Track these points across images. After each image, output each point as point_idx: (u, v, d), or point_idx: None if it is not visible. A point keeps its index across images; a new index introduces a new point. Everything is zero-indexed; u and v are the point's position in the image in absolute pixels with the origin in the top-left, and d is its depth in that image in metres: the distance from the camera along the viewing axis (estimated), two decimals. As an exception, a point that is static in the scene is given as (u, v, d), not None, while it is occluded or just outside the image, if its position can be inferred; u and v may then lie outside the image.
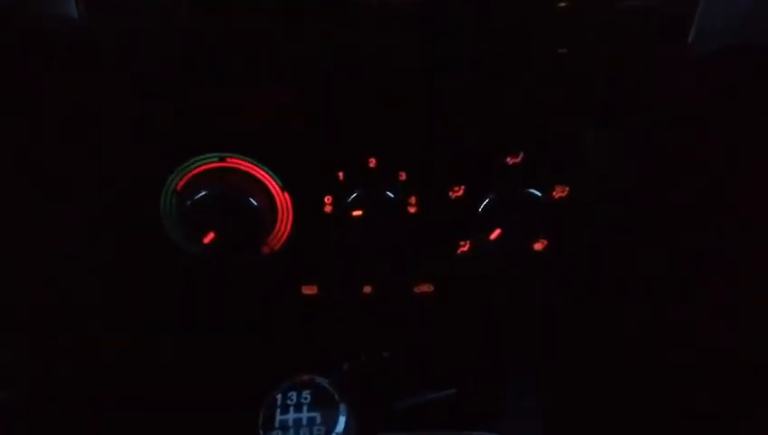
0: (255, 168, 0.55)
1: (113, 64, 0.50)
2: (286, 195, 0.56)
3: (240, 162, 0.55)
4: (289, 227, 0.57)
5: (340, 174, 0.55)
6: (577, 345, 0.68)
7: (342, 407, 0.45)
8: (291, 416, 0.46)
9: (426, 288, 0.62)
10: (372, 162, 0.55)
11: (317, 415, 0.46)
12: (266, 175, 0.55)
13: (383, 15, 0.45)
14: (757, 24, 0.43)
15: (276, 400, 0.46)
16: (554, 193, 0.57)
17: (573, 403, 0.67)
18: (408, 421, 0.63)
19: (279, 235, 0.58)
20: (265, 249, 0.58)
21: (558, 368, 0.69)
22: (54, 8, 0.42)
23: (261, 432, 0.46)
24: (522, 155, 0.56)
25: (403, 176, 0.56)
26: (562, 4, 0.45)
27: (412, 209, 0.57)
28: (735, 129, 0.51)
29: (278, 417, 0.46)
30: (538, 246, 0.59)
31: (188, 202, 0.54)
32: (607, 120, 0.54)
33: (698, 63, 0.45)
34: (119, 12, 0.44)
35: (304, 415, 0.46)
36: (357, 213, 0.55)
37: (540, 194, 0.56)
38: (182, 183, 0.55)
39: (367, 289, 0.61)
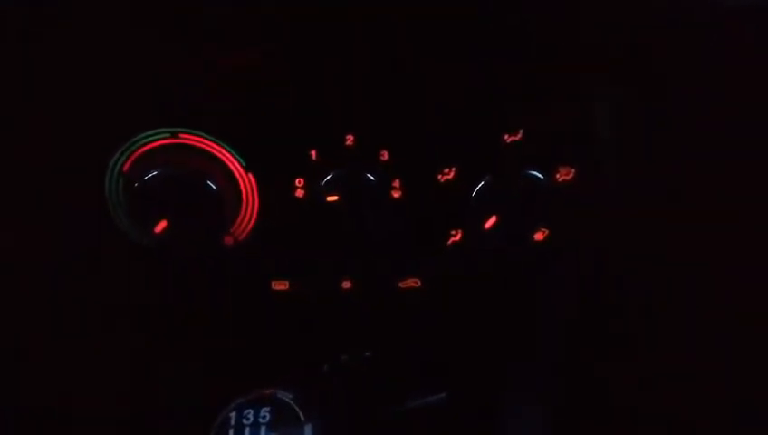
0: (214, 145, 0.48)
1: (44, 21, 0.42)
2: (251, 176, 0.49)
3: (196, 138, 0.47)
4: (255, 213, 0.50)
5: (313, 153, 0.49)
6: (583, 351, 0.62)
7: (308, 429, 0.38)
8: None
9: (412, 283, 0.55)
10: (350, 139, 0.48)
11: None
12: (227, 153, 0.48)
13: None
14: None
15: (229, 419, 0.39)
16: (558, 175, 0.50)
17: (576, 405, 0.61)
18: (398, 429, 0.57)
19: (244, 223, 0.51)
20: (228, 239, 0.51)
21: (560, 372, 0.63)
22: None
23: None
24: (521, 132, 0.49)
25: (385, 155, 0.49)
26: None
27: (396, 194, 0.50)
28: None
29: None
30: (539, 236, 0.52)
31: (136, 184, 0.47)
32: (624, 85, 0.47)
33: (730, 17, 0.38)
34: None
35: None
36: (332, 198, 0.49)
37: (542, 176, 0.49)
38: (129, 163, 0.48)
39: (346, 284, 0.55)
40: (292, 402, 0.40)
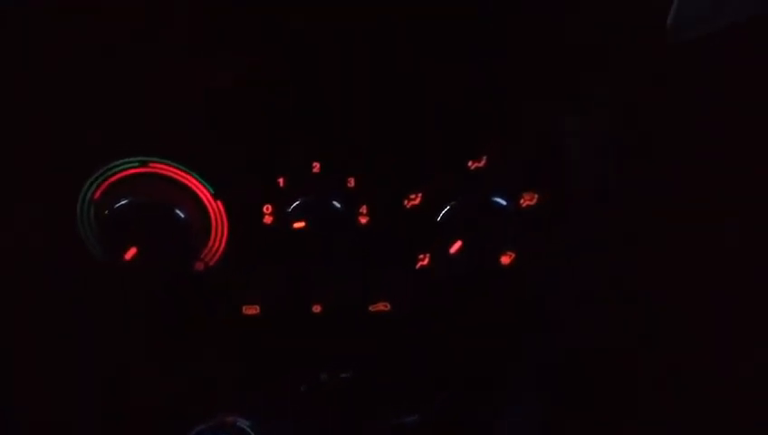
0: (183, 173, 0.49)
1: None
2: (219, 204, 0.50)
3: (165, 167, 0.48)
4: (224, 240, 0.51)
5: (281, 180, 0.49)
6: (560, 365, 0.62)
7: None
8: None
9: (382, 307, 0.56)
10: (316, 167, 0.49)
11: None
12: (196, 181, 0.49)
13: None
14: (733, 12, 0.38)
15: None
16: (522, 201, 0.51)
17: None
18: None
19: (214, 249, 0.51)
20: (199, 265, 0.52)
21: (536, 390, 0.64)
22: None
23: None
24: (485, 158, 0.50)
25: (351, 182, 0.50)
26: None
27: (363, 220, 0.51)
28: (714, 118, 0.46)
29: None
30: (505, 260, 0.53)
31: (106, 212, 0.47)
32: (582, 114, 0.48)
33: (675, 49, 0.40)
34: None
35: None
36: (299, 224, 0.49)
37: (506, 202, 0.50)
38: (99, 191, 0.48)
39: (316, 308, 0.55)
40: (248, 429, 0.40)
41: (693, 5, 0.38)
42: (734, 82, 0.42)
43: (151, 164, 0.48)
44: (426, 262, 0.54)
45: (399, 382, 0.60)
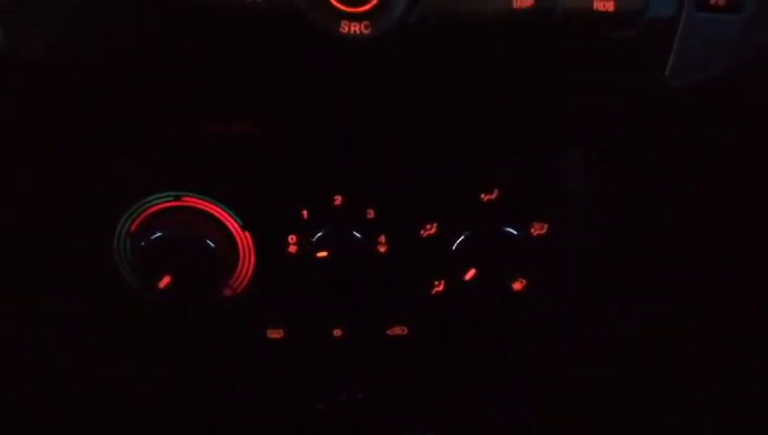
0: (214, 207, 0.52)
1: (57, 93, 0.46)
2: (247, 235, 0.53)
3: (197, 201, 0.51)
4: (251, 268, 0.54)
5: (305, 212, 0.52)
6: (562, 387, 0.65)
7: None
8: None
9: (399, 330, 0.58)
10: (338, 200, 0.52)
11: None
12: (225, 214, 0.52)
13: (351, 49, 0.41)
14: (733, 59, 0.41)
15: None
16: (532, 230, 0.54)
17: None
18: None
19: (241, 276, 0.54)
20: (227, 292, 0.55)
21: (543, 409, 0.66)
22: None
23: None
24: (497, 191, 0.53)
25: (371, 214, 0.52)
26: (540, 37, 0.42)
27: (382, 249, 0.53)
28: (712, 160, 0.49)
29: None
30: (517, 286, 0.56)
31: (142, 244, 0.51)
32: (585, 152, 0.51)
33: (675, 95, 0.43)
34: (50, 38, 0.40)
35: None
36: (322, 253, 0.52)
37: (516, 232, 0.53)
38: (136, 224, 0.52)
39: (337, 332, 0.58)
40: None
41: (690, 54, 0.41)
42: (730, 122, 0.45)
43: (184, 198, 0.51)
44: (441, 288, 0.56)
45: (416, 402, 0.63)
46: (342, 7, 0.37)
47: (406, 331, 0.58)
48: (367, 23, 0.38)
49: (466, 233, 0.53)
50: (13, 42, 0.39)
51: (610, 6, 0.38)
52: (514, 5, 0.38)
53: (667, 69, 0.42)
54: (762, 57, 0.43)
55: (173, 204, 0.51)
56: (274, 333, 0.58)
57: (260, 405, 0.63)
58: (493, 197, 0.53)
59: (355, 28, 0.37)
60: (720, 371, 0.63)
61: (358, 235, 0.52)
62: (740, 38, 0.42)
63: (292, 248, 0.53)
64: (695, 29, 0.41)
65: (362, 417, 0.63)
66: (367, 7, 0.37)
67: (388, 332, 0.58)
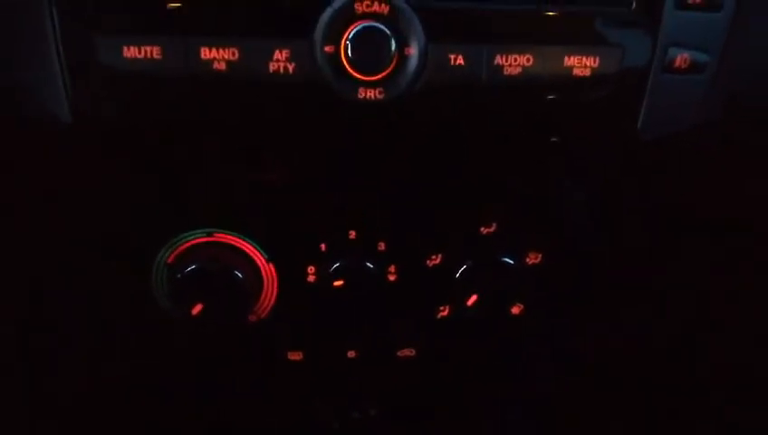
0: (241, 241, 0.58)
1: (105, 148, 0.53)
2: (271, 266, 0.59)
3: (227, 237, 0.57)
4: (274, 296, 0.59)
5: (323, 246, 0.58)
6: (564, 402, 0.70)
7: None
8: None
9: (408, 352, 0.64)
10: (353, 234, 0.58)
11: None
12: (252, 248, 0.58)
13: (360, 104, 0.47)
14: (701, 115, 0.48)
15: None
16: (528, 259, 0.60)
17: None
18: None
19: (265, 304, 0.60)
20: (252, 317, 0.60)
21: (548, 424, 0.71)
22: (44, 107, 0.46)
23: None
24: (495, 225, 0.58)
25: (382, 246, 0.58)
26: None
27: (392, 278, 0.59)
28: (690, 202, 0.55)
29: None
30: (515, 310, 0.61)
31: (178, 275, 0.56)
32: (574, 192, 0.57)
33: (648, 146, 0.49)
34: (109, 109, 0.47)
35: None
36: (338, 283, 0.57)
37: (513, 261, 0.59)
38: (173, 257, 0.58)
39: (351, 354, 0.63)
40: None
41: (659, 111, 0.47)
42: (706, 167, 0.51)
43: (216, 234, 0.57)
44: (446, 313, 0.62)
45: (424, 419, 0.68)
46: (360, 77, 0.44)
47: (414, 352, 0.64)
48: (381, 89, 0.44)
49: (468, 262, 0.58)
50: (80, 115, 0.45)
51: (587, 72, 0.45)
52: (504, 73, 0.44)
53: (639, 123, 0.48)
54: (728, 112, 0.49)
55: (206, 239, 0.57)
56: (294, 355, 0.63)
57: (279, 423, 0.68)
58: (492, 230, 0.58)
59: (370, 94, 0.44)
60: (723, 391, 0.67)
61: (370, 265, 0.58)
62: (705, 96, 0.48)
63: (312, 278, 0.59)
64: (662, 88, 0.47)
65: (375, 433, 0.68)
66: (380, 76, 0.44)
67: (398, 353, 0.64)
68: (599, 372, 0.68)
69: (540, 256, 0.60)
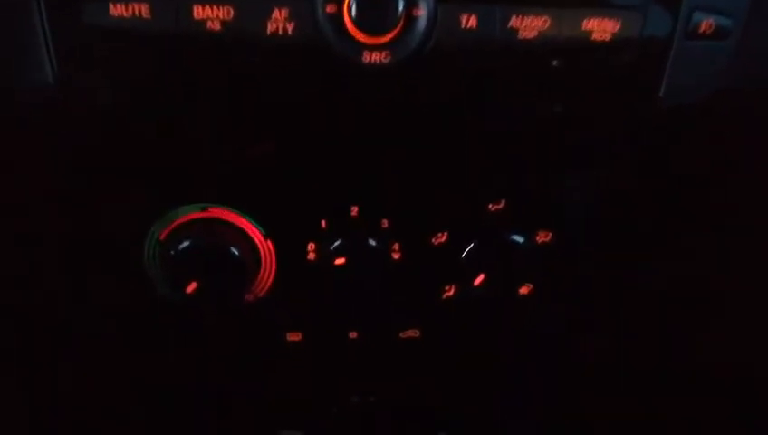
0: (238, 217, 0.55)
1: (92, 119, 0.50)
2: (269, 243, 0.56)
3: (222, 212, 0.55)
4: (272, 274, 0.57)
5: (323, 222, 0.55)
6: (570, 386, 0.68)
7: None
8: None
9: (412, 333, 0.62)
10: (354, 210, 0.55)
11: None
12: (249, 224, 0.55)
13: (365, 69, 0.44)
14: (728, 80, 0.45)
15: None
16: (537, 238, 0.57)
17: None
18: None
19: (263, 282, 0.58)
20: (249, 297, 0.58)
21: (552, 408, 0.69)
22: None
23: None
24: (504, 202, 0.56)
25: (385, 223, 0.56)
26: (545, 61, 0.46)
27: (395, 256, 0.56)
28: (709, 175, 0.52)
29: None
30: (523, 291, 0.59)
31: (172, 252, 0.54)
32: (589, 166, 0.55)
33: (670, 115, 0.46)
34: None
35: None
36: (340, 261, 0.55)
37: (522, 240, 0.56)
38: (165, 233, 0.55)
39: (353, 335, 0.61)
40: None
41: (681, 78, 0.44)
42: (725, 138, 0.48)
43: (211, 209, 0.55)
44: (451, 293, 0.59)
45: (428, 404, 0.66)
46: (365, 39, 0.41)
47: (418, 334, 0.62)
48: (386, 52, 0.41)
49: (475, 241, 0.56)
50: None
51: (607, 37, 0.42)
52: (519, 36, 0.41)
53: (661, 91, 0.45)
54: (749, 80, 0.46)
55: (200, 214, 0.55)
56: (293, 336, 0.61)
57: (274, 405, 0.66)
58: (500, 207, 0.56)
59: (375, 57, 0.41)
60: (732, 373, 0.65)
61: (373, 243, 0.55)
62: (729, 63, 0.45)
63: (312, 256, 0.56)
64: (685, 55, 0.44)
65: (375, 419, 0.66)
66: (386, 39, 0.41)
67: (401, 335, 0.62)
68: (608, 359, 0.66)
69: (550, 234, 0.57)
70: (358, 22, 0.40)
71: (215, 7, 0.40)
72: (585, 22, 0.43)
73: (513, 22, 0.42)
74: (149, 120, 0.48)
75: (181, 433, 0.65)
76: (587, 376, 0.68)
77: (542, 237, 0.57)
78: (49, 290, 0.58)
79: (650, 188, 0.55)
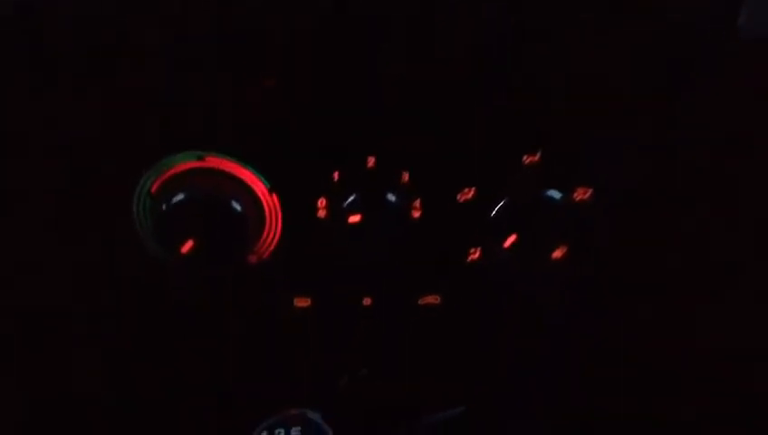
0: (239, 167, 0.49)
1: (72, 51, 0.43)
2: (274, 197, 0.50)
3: (221, 161, 0.48)
4: (278, 233, 0.51)
5: (335, 174, 0.49)
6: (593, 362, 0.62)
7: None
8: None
9: (432, 299, 0.56)
10: (371, 161, 0.49)
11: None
12: (251, 175, 0.49)
13: None
14: None
15: (261, 439, 0.40)
16: (576, 195, 0.51)
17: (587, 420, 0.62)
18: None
19: (267, 242, 0.52)
20: (252, 258, 0.52)
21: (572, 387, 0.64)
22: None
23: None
24: (540, 153, 0.49)
25: (405, 177, 0.50)
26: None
27: (416, 214, 0.51)
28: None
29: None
30: (557, 254, 0.53)
31: (164, 207, 0.48)
32: (640, 111, 0.48)
33: (746, 48, 0.39)
34: None
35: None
36: (354, 218, 0.49)
37: (559, 196, 0.50)
38: (156, 185, 0.49)
39: (366, 301, 0.55)
40: (322, 422, 0.41)
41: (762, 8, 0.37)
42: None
43: (207, 158, 0.48)
44: (476, 255, 0.54)
45: (446, 375, 0.61)
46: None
47: (438, 300, 0.56)
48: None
49: (506, 198, 0.50)
50: None
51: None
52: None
53: (740, 19, 0.38)
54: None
55: (196, 164, 0.48)
56: (301, 302, 0.55)
57: (280, 377, 0.61)
58: (536, 159, 0.49)
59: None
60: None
61: (392, 198, 0.49)
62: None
63: (322, 212, 0.50)
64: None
65: (385, 394, 0.61)
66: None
67: (420, 301, 0.56)
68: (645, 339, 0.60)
69: (590, 191, 0.51)
70: None
71: None
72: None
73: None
74: (133, 50, 0.41)
75: (177, 416, 0.59)
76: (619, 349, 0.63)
77: (581, 194, 0.51)
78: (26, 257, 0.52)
79: (712, 140, 0.48)
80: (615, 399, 0.61)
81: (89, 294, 0.54)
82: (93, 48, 0.44)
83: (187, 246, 0.49)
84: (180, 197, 0.47)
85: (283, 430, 0.40)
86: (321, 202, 0.50)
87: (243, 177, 0.49)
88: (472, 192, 0.51)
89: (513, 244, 0.51)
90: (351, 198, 0.49)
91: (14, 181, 0.49)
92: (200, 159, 0.48)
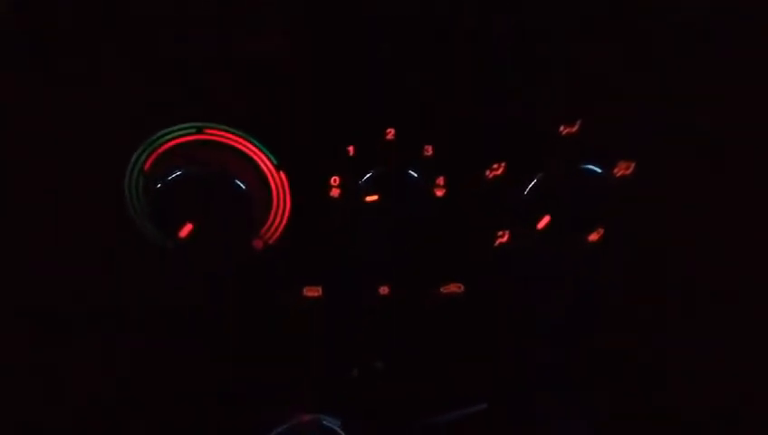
0: (243, 141, 0.44)
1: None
2: (282, 175, 0.46)
3: (223, 134, 0.44)
4: (287, 215, 0.47)
5: (351, 149, 0.45)
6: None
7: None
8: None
9: (455, 288, 0.51)
10: (390, 133, 0.45)
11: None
12: (257, 150, 0.45)
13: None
14: None
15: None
16: (617, 170, 0.46)
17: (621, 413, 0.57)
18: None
19: (275, 225, 0.48)
20: (258, 243, 0.48)
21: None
22: None
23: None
24: (579, 123, 0.44)
25: (429, 151, 0.46)
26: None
27: (440, 193, 0.47)
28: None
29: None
30: (593, 237, 0.48)
31: (158, 185, 0.43)
32: (688, 75, 0.43)
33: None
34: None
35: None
36: (371, 198, 0.45)
37: (600, 171, 0.45)
38: (150, 161, 0.44)
39: (383, 290, 0.51)
40: (339, 430, 0.36)
41: None
42: None
43: (207, 130, 0.43)
44: (505, 239, 0.49)
45: (467, 372, 0.56)
46: None
47: (462, 289, 0.51)
48: None
49: (541, 173, 0.45)
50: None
51: None
52: None
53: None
54: None
55: (194, 137, 0.44)
56: (312, 292, 0.51)
57: (290, 371, 0.56)
58: (574, 130, 0.45)
59: None
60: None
61: (413, 175, 0.45)
62: None
63: (335, 191, 0.46)
64: None
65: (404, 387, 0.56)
66: None
67: (442, 290, 0.51)
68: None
69: (633, 165, 0.46)
70: None
71: None
72: None
73: None
74: (129, 17, 0.36)
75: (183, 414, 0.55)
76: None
77: (623, 169, 0.46)
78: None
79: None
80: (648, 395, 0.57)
81: (87, 290, 0.49)
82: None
83: (185, 231, 0.44)
84: (176, 174, 0.43)
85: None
86: (335, 180, 0.46)
87: (247, 152, 0.45)
88: (502, 168, 0.46)
89: (546, 225, 0.46)
90: (368, 176, 0.45)
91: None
92: (199, 131, 0.44)
